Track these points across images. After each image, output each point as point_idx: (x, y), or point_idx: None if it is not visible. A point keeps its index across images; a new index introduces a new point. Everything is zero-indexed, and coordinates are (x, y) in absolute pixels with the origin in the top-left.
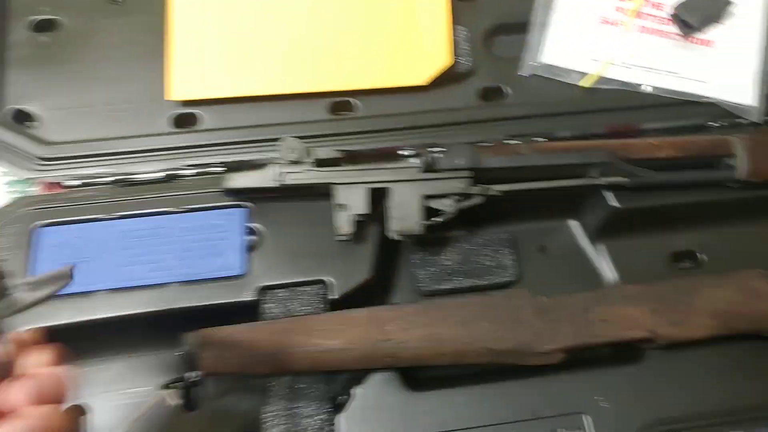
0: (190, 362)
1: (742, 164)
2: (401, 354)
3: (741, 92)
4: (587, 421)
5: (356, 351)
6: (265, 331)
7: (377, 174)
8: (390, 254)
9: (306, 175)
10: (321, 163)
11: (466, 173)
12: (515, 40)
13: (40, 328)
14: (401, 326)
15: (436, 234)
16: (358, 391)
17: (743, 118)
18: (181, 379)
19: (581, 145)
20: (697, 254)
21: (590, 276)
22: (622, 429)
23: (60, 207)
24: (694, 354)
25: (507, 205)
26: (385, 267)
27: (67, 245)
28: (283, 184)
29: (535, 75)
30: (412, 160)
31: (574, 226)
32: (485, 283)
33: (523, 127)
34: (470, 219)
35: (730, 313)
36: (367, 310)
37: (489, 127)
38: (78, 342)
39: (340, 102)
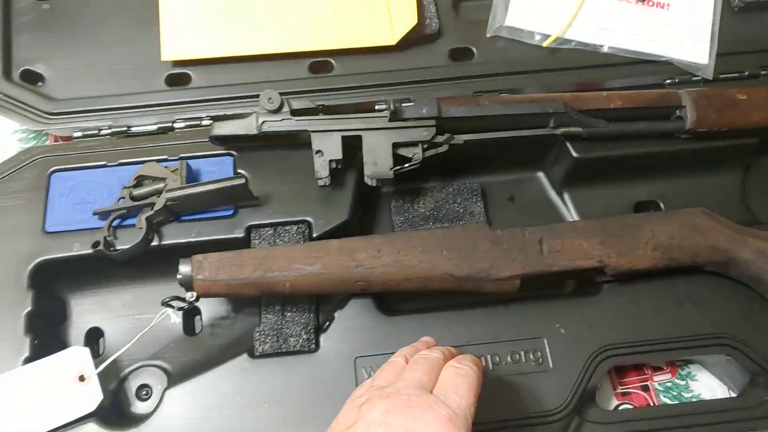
0: (186, 285)
1: (689, 115)
2: (371, 278)
3: (694, 51)
4: (545, 344)
5: (331, 275)
6: (249, 256)
7: (349, 123)
8: (370, 200)
9: (283, 124)
10: (297, 112)
11: (430, 122)
12: (482, 5)
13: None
14: (370, 254)
15: (413, 184)
16: (337, 315)
17: (697, 76)
18: (179, 298)
19: (537, 97)
20: (660, 203)
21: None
22: (576, 353)
23: (69, 155)
24: (644, 288)
25: (477, 157)
26: (366, 211)
27: (76, 188)
28: (262, 132)
29: (500, 36)
30: (381, 110)
31: (541, 177)
32: None
33: (489, 85)
34: (444, 171)
35: (672, 245)
36: (339, 240)
37: (457, 85)
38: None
39: (319, 62)
